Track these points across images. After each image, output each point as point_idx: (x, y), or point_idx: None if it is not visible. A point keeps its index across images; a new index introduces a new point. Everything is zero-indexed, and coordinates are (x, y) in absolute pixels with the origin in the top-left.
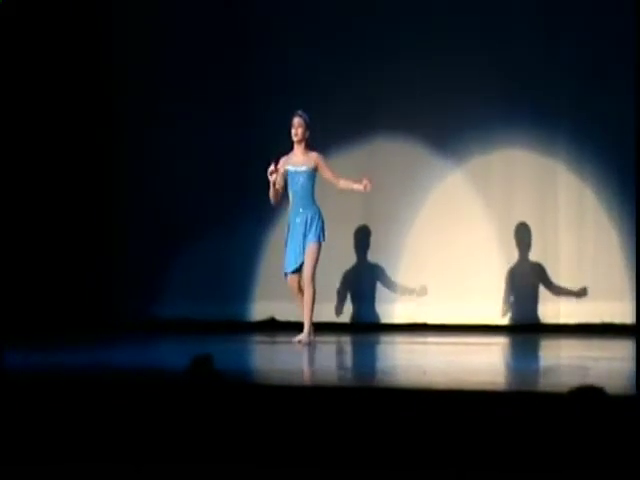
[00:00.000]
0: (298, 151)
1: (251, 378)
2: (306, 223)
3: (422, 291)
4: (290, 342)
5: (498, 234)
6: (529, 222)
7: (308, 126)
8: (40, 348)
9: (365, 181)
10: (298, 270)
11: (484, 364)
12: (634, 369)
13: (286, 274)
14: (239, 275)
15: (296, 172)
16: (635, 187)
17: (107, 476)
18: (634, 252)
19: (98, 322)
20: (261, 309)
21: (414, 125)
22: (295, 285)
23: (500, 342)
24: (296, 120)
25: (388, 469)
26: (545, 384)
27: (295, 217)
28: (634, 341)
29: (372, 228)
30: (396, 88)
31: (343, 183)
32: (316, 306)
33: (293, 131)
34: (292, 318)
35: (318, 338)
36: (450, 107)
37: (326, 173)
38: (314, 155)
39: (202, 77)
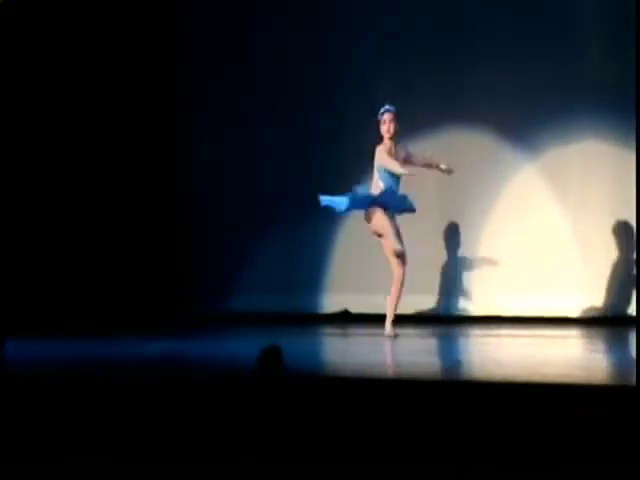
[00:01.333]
0: (391, 146)
1: (322, 370)
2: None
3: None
4: (363, 334)
5: (573, 227)
6: (606, 215)
7: (397, 119)
8: (116, 340)
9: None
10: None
11: (559, 357)
12: None
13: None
14: (312, 268)
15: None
16: (636, 186)
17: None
18: None
19: (173, 316)
20: (334, 301)
21: (490, 118)
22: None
23: (576, 335)
24: (388, 116)
25: (468, 464)
26: (622, 378)
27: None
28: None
29: (446, 222)
30: (473, 81)
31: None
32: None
33: (385, 127)
34: (365, 310)
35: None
36: (525, 100)
37: (417, 159)
38: (403, 149)
39: (275, 71)
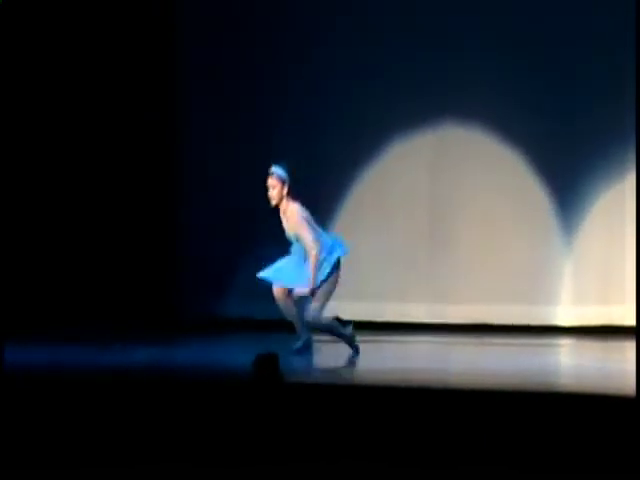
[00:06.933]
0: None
1: (314, 377)
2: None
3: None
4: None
5: (565, 234)
6: (596, 223)
7: (284, 181)
8: (108, 345)
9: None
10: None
11: (541, 365)
12: None
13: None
14: None
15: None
16: (636, 187)
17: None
18: None
19: (165, 321)
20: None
21: (490, 117)
22: (281, 296)
23: (563, 344)
24: (269, 180)
25: (456, 466)
26: (612, 387)
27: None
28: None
29: (432, 227)
30: (466, 78)
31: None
32: (381, 305)
33: (269, 193)
34: (355, 317)
35: (375, 337)
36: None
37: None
38: (293, 220)
39: (269, 72)
